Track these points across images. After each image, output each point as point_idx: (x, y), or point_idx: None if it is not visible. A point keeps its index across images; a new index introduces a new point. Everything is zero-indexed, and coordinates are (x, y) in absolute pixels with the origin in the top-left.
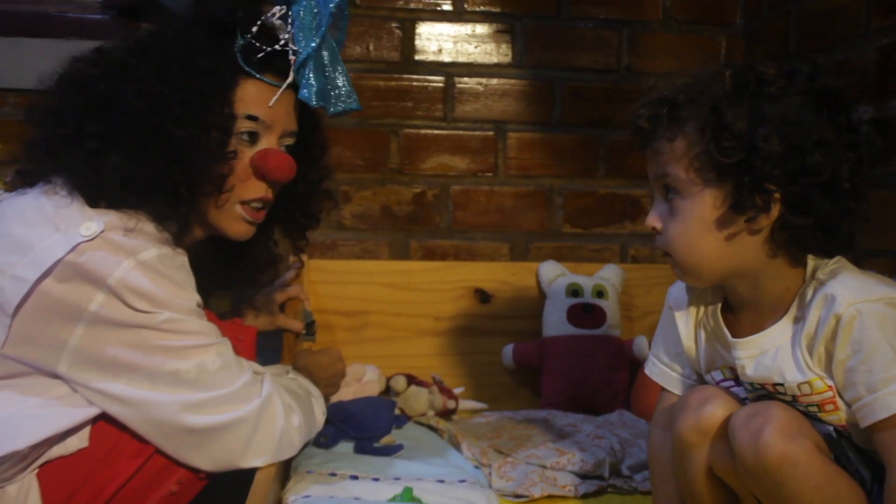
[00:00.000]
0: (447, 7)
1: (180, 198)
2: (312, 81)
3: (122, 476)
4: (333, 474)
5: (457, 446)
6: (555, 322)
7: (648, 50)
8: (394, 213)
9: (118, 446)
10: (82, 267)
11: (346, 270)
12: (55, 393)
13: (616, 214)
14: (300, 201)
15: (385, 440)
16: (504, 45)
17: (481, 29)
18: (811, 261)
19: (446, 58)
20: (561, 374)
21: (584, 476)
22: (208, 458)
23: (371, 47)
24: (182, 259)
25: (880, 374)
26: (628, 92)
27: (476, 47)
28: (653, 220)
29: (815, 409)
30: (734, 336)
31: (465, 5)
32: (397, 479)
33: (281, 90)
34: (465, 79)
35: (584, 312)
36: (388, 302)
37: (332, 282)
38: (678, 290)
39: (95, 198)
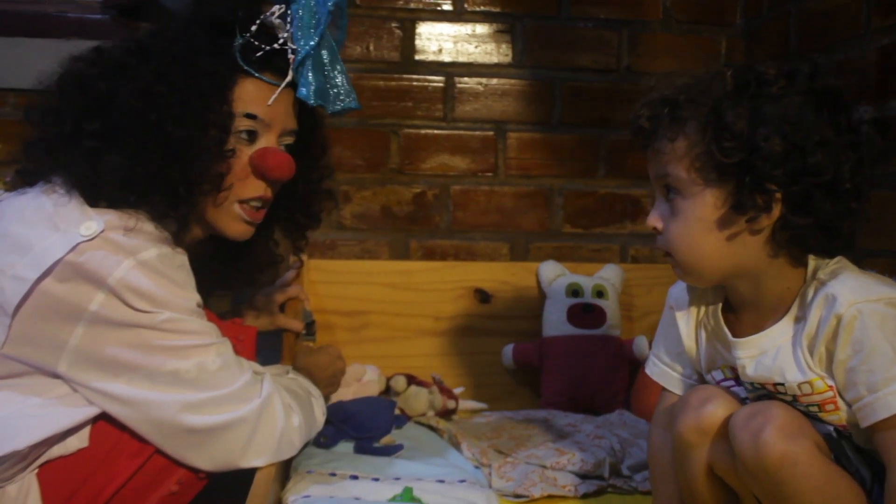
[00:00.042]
0: (447, 7)
1: (179, 197)
2: (311, 80)
3: (122, 476)
4: (333, 474)
5: (457, 446)
6: (555, 322)
7: (648, 50)
8: (394, 213)
9: (118, 446)
10: (82, 267)
11: (346, 270)
12: (55, 393)
13: (616, 214)
14: (300, 201)
15: (385, 440)
16: (504, 45)
17: (481, 29)
18: (812, 261)
19: (446, 58)
20: (561, 374)
21: (584, 476)
22: (208, 458)
23: (371, 47)
24: (182, 258)
25: (881, 374)
26: (628, 92)
27: (476, 47)
28: (654, 220)
29: (815, 409)
30: (735, 336)
31: (465, 5)
32: (397, 479)
33: (280, 89)
34: (465, 79)
35: (584, 312)
36: (388, 302)
37: (332, 282)
38: (679, 289)
39: (95, 197)
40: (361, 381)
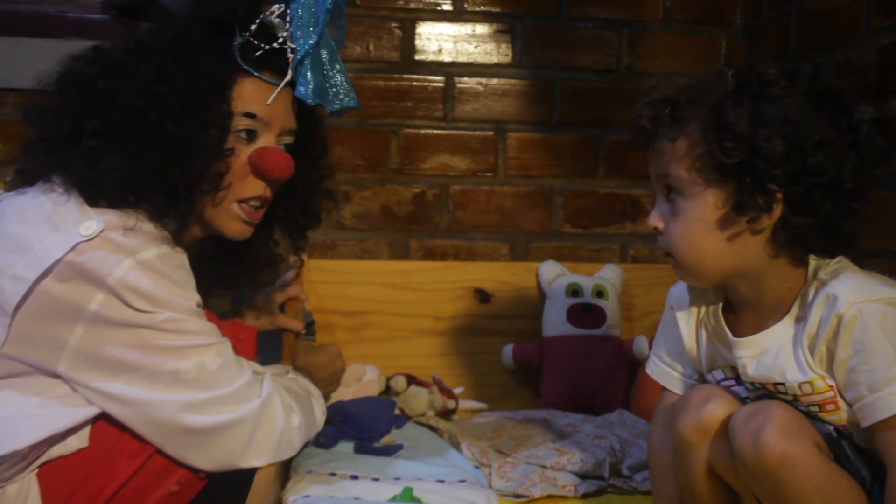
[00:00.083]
0: (447, 7)
1: (179, 196)
2: (310, 79)
3: (122, 476)
4: (333, 474)
5: (457, 446)
6: (555, 322)
7: (648, 50)
8: (394, 213)
9: (118, 446)
10: (82, 266)
11: (346, 270)
12: (55, 392)
13: (616, 214)
14: (300, 200)
15: (385, 440)
16: (504, 45)
17: (481, 29)
18: (813, 261)
19: (446, 58)
20: (561, 374)
21: (584, 476)
22: (208, 458)
23: (371, 47)
24: (182, 258)
25: (882, 374)
26: (628, 92)
27: (476, 47)
28: (655, 221)
29: (815, 408)
30: (735, 335)
31: (465, 5)
32: (397, 479)
33: (279, 88)
34: (465, 79)
35: (584, 312)
36: (388, 302)
37: (332, 282)
38: (679, 289)
39: (94, 196)
40: (361, 381)
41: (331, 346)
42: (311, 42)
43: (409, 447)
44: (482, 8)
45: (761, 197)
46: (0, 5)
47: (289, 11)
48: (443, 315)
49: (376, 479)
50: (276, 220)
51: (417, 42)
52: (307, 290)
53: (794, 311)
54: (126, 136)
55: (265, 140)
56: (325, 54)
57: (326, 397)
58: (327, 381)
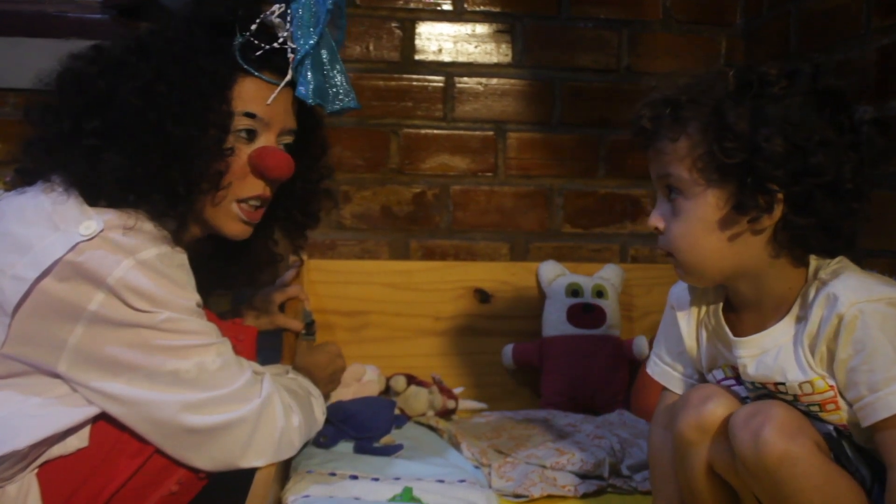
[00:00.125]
0: (447, 7)
1: (178, 196)
2: (310, 79)
3: (122, 476)
4: (333, 474)
5: (457, 446)
6: (555, 322)
7: (648, 50)
8: (394, 213)
9: (118, 446)
10: (82, 266)
11: (346, 270)
12: (55, 392)
13: (616, 214)
14: (299, 200)
15: (385, 440)
16: (504, 45)
17: (481, 29)
18: (813, 261)
19: (446, 58)
20: (561, 374)
21: (583, 476)
22: (208, 458)
23: (371, 47)
24: (182, 258)
25: (882, 374)
26: (628, 92)
27: (476, 47)
28: (655, 221)
29: (816, 408)
30: (736, 335)
31: (465, 5)
32: (397, 479)
33: (279, 88)
34: (465, 79)
35: (584, 312)
36: (388, 302)
37: (332, 282)
38: (680, 289)
39: (94, 196)
40: (361, 381)
41: (331, 345)
42: (311, 42)
43: (408, 447)
44: (482, 8)
45: (762, 197)
46: (0, 5)
47: (289, 11)
48: (443, 315)
49: (376, 479)
50: (276, 219)
51: (417, 42)
52: (307, 290)
53: (795, 310)
54: (126, 136)
55: (265, 140)
56: (325, 54)
57: (327, 396)
58: (327, 381)
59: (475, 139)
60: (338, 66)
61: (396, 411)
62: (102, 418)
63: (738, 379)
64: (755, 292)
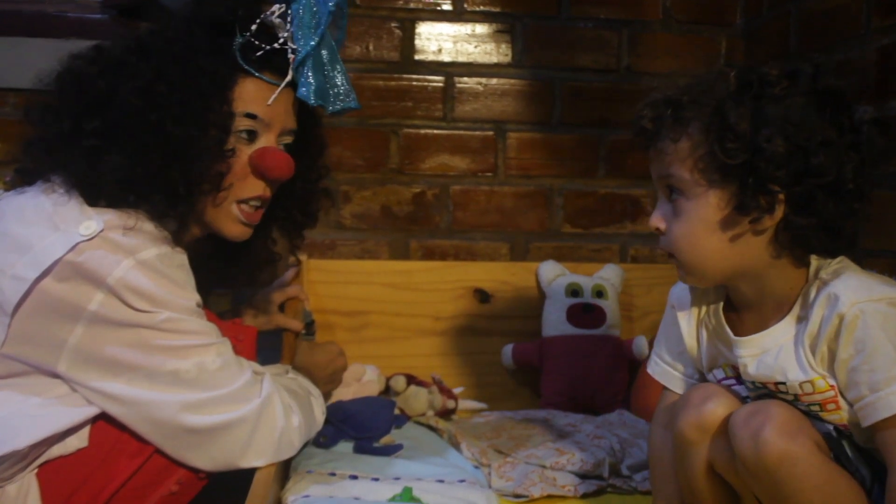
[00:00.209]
0: (447, 7)
1: (179, 196)
2: (311, 80)
3: (122, 476)
4: (333, 474)
5: (456, 446)
6: (554, 322)
7: (648, 50)
8: (394, 213)
9: (118, 446)
10: (81, 266)
11: (346, 270)
12: (55, 392)
13: (616, 214)
14: (298, 200)
15: (385, 440)
16: (504, 45)
17: (481, 29)
18: (814, 261)
19: (446, 58)
20: (561, 374)
21: (583, 476)
22: (208, 458)
23: (371, 47)
24: (181, 258)
25: (883, 374)
26: (628, 92)
27: (476, 47)
28: (656, 221)
29: (816, 408)
30: (736, 335)
31: (465, 5)
32: (397, 478)
33: (280, 88)
34: (465, 79)
35: (584, 312)
36: (388, 302)
37: (332, 282)
38: (680, 289)
39: (94, 196)
40: (361, 381)
41: (331, 344)
42: (312, 43)
43: (408, 447)
44: (482, 8)
45: (763, 198)
46: (0, 5)
47: (289, 11)
48: (443, 315)
49: (376, 479)
50: (275, 219)
51: (417, 42)
52: (307, 290)
53: (796, 310)
54: (126, 136)
55: (265, 140)
56: (325, 55)
57: (327, 396)
58: (327, 380)
59: (475, 139)
60: (338, 67)
61: (396, 411)
62: (102, 418)
63: (739, 378)
64: (756, 292)
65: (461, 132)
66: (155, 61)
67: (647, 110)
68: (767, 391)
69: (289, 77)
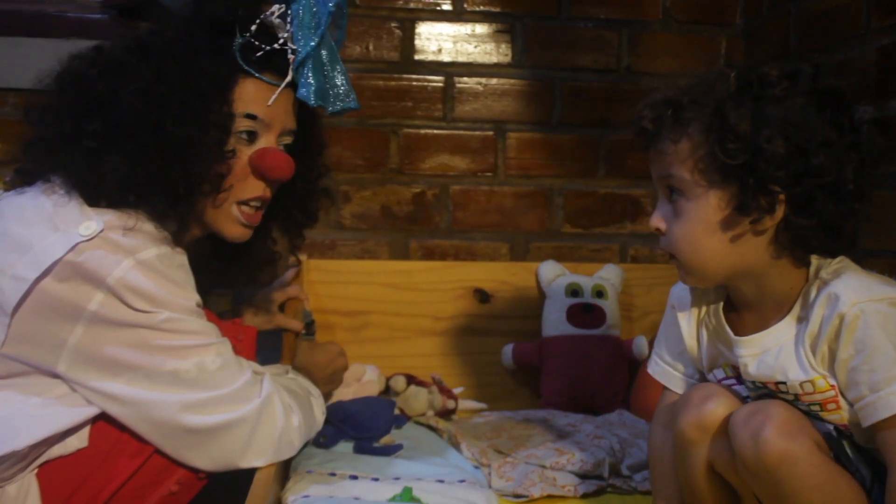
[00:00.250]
0: (447, 7)
1: (179, 197)
2: (311, 80)
3: (122, 476)
4: (333, 474)
5: (456, 446)
6: (554, 322)
7: (648, 50)
8: (394, 213)
9: (117, 446)
10: (81, 266)
11: (346, 270)
12: (55, 392)
13: (616, 214)
14: (298, 199)
15: (385, 440)
16: (504, 45)
17: (481, 29)
18: (815, 260)
19: (446, 58)
20: (561, 374)
21: (583, 476)
22: (208, 458)
23: (371, 47)
24: (181, 258)
25: (883, 374)
26: (628, 92)
27: (476, 47)
28: (657, 222)
29: (817, 408)
30: (737, 335)
31: (465, 5)
32: (397, 479)
33: (280, 89)
34: (465, 79)
35: (584, 312)
36: (388, 302)
37: (332, 282)
38: (681, 289)
39: (94, 197)
40: (361, 381)
41: (332, 344)
42: (312, 43)
43: (408, 447)
44: (482, 8)
45: (764, 198)
46: (0, 5)
47: (289, 12)
48: (443, 315)
49: (376, 479)
50: (275, 219)
51: (417, 42)
52: (307, 290)
53: (796, 310)
54: (126, 137)
55: (265, 141)
56: (325, 55)
57: (327, 396)
58: (327, 380)
59: (475, 139)
60: (338, 67)
61: (396, 411)
62: (102, 418)
63: (739, 378)
64: (756, 292)
65: (461, 132)
66: (155, 62)
67: (647, 111)
68: (768, 391)
69: (289, 77)
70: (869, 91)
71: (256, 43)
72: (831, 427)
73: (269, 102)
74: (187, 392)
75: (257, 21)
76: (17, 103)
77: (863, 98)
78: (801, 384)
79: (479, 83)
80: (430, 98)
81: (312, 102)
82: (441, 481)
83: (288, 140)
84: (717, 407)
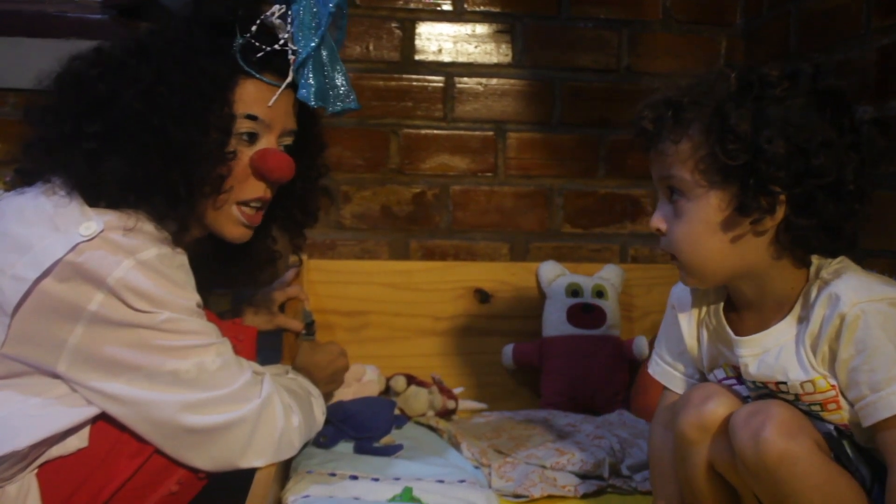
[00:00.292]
0: (447, 7)
1: (179, 198)
2: (311, 81)
3: (122, 476)
4: (333, 474)
5: (457, 446)
6: (554, 322)
7: (648, 50)
8: (394, 213)
9: (117, 446)
10: (82, 267)
11: (346, 270)
12: (55, 392)
13: (616, 214)
14: (298, 199)
15: (385, 440)
16: (504, 45)
17: (481, 29)
18: (815, 260)
19: (446, 58)
20: (561, 374)
21: (583, 476)
22: (208, 458)
23: (371, 47)
24: (182, 258)
25: (883, 374)
26: (628, 92)
27: (476, 47)
28: (657, 222)
29: (817, 408)
30: (737, 335)
31: (465, 5)
32: (397, 479)
33: (280, 90)
34: (465, 79)
35: (584, 312)
36: (388, 302)
37: (332, 282)
38: (681, 289)
39: (94, 197)
40: (361, 381)
41: (332, 344)
42: (312, 44)
43: (408, 447)
44: (482, 8)
45: (764, 199)
46: (0, 5)
47: (290, 12)
48: (443, 315)
49: (376, 479)
50: (275, 219)
51: (417, 42)
52: (307, 290)
53: (797, 310)
54: (127, 138)
55: (266, 142)
56: (325, 56)
57: (328, 396)
58: (328, 381)
59: (475, 139)
60: (338, 67)
61: (396, 411)
62: (102, 418)
63: (740, 378)
64: (757, 292)
65: (461, 132)
66: (155, 63)
67: (647, 111)
68: (768, 391)
69: (289, 78)
70: (869, 91)
71: (257, 43)
72: (832, 427)
73: (270, 103)
74: (187, 392)
75: (257, 21)
76: (17, 103)
77: (863, 98)
78: (801, 384)
79: (480, 83)
80: (431, 98)
81: (313, 103)
82: (441, 481)
83: (288, 141)
84: (717, 407)
